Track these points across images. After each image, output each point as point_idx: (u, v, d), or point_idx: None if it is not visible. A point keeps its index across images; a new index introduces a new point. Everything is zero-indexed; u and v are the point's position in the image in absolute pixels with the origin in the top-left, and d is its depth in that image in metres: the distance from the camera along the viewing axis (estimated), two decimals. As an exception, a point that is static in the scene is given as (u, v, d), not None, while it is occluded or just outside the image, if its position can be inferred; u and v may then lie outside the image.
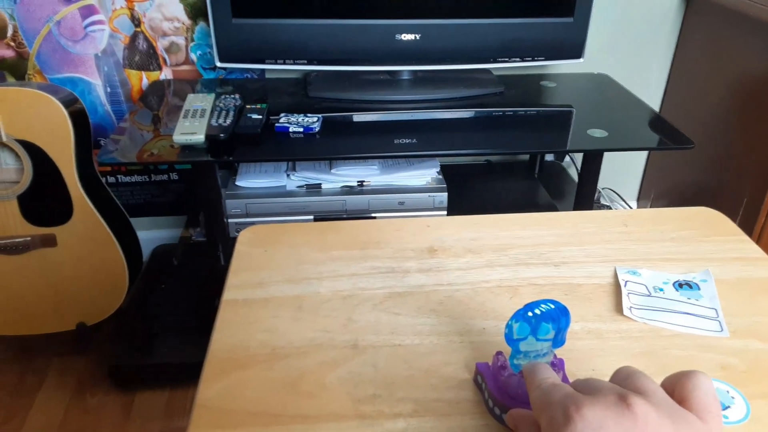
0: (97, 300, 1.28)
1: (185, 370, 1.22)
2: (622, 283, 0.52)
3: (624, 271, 0.53)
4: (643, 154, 1.67)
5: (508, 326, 0.37)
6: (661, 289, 0.51)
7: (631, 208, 1.68)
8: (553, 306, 0.36)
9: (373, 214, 1.23)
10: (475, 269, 0.55)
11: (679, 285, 0.52)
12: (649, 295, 0.50)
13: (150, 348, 1.26)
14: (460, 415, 0.41)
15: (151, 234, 1.56)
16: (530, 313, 0.36)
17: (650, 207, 1.66)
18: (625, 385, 0.32)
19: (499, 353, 0.40)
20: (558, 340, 0.37)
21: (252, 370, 0.44)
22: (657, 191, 1.64)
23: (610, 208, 1.62)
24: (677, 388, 0.31)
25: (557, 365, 0.39)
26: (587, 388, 0.31)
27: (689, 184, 1.51)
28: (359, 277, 0.54)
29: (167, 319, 1.30)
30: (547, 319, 0.36)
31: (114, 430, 1.17)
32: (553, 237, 0.59)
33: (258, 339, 0.47)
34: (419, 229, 0.61)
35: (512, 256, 0.56)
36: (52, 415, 1.21)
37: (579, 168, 1.57)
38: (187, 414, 1.22)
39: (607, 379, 0.34)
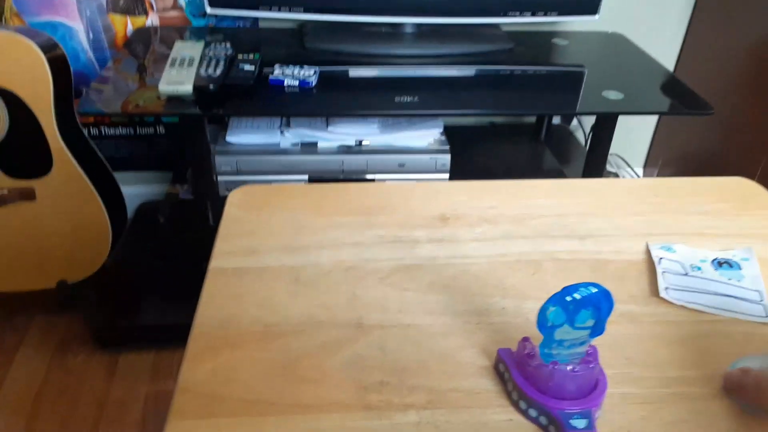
0: (79, 257, 1.22)
1: (171, 332, 1.17)
2: (655, 261, 0.47)
3: (657, 246, 0.48)
4: (653, 119, 1.61)
5: (543, 311, 0.32)
6: (699, 268, 0.46)
7: (638, 175, 1.63)
8: (594, 290, 0.31)
9: (371, 176, 1.17)
10: (491, 241, 0.49)
11: (719, 263, 0.47)
12: (685, 275, 0.45)
13: (135, 308, 1.21)
14: (479, 407, 0.36)
15: (136, 189, 1.49)
16: (568, 298, 0.31)
17: (657, 174, 1.61)
18: None
19: (525, 339, 0.35)
20: (597, 329, 0.32)
21: (243, 350, 0.39)
22: (665, 158, 1.59)
23: (617, 176, 1.57)
24: None
25: (591, 355, 0.34)
26: None
27: (700, 150, 1.46)
28: (363, 247, 0.48)
29: (153, 279, 1.25)
30: (588, 304, 0.31)
31: (98, 392, 1.13)
32: (578, 206, 0.54)
33: (250, 314, 0.42)
34: (429, 195, 0.55)
35: (533, 226, 0.51)
36: (32, 375, 1.16)
37: (587, 132, 1.51)
38: (174, 377, 1.19)
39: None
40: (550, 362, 0.33)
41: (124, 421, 1.10)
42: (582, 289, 0.31)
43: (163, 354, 1.20)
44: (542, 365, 0.33)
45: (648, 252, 0.48)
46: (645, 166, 1.68)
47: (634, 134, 1.62)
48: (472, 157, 1.33)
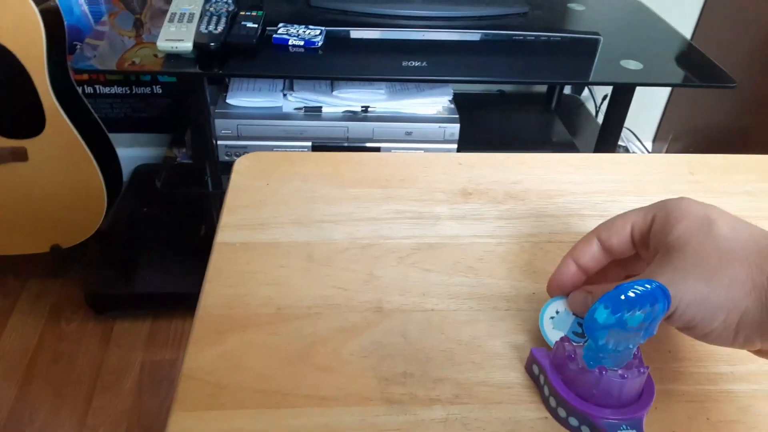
0: (73, 221, 1.18)
1: (168, 299, 1.15)
2: (695, 245, 0.43)
3: (696, 229, 0.45)
4: (665, 92, 1.56)
5: (592, 311, 0.28)
6: (741, 254, 0.43)
7: (647, 150, 1.59)
8: (649, 286, 0.27)
9: (377, 145, 1.13)
10: (518, 219, 0.46)
11: (761, 249, 0.43)
12: (727, 261, 0.42)
13: (130, 274, 1.18)
14: (511, 403, 0.33)
15: (132, 152, 1.44)
16: (622, 297, 0.27)
17: (666, 149, 1.57)
18: None
19: (565, 340, 0.32)
20: (648, 330, 0.29)
21: (253, 333, 0.36)
22: (676, 131, 1.55)
23: (627, 150, 1.53)
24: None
25: (638, 357, 0.31)
26: None
27: (714, 125, 1.42)
28: (381, 223, 0.45)
29: (149, 245, 1.21)
30: (644, 303, 0.27)
31: (92, 359, 1.11)
32: (609, 183, 0.50)
33: (260, 294, 0.38)
34: (449, 167, 0.51)
35: (562, 204, 0.47)
36: (25, 341, 1.14)
37: (597, 102, 1.46)
38: (170, 346, 1.17)
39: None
40: (597, 367, 0.29)
41: (118, 388, 1.08)
42: (637, 286, 0.27)
43: (159, 322, 1.18)
44: (586, 370, 0.30)
45: (687, 235, 0.45)
46: (654, 140, 1.64)
47: (644, 107, 1.58)
48: (480, 126, 1.29)
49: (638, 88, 1.41)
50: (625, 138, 1.57)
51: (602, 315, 0.28)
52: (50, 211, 1.17)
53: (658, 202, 0.33)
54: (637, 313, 0.28)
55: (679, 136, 1.55)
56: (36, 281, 1.25)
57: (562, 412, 0.31)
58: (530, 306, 0.39)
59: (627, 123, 1.59)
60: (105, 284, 1.17)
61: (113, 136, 1.23)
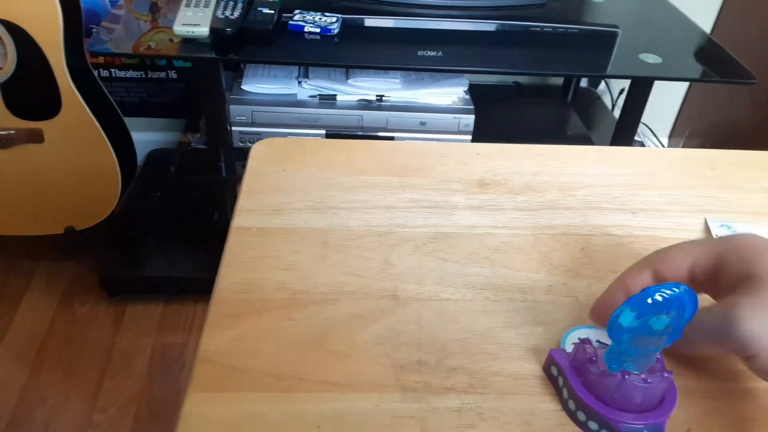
0: (88, 204, 1.19)
1: (180, 283, 1.15)
2: (715, 240, 0.43)
3: (717, 224, 0.44)
4: (683, 87, 1.54)
5: (617, 314, 0.27)
6: (761, 251, 0.42)
7: (663, 145, 1.57)
8: (677, 290, 0.27)
9: (391, 134, 1.12)
10: (536, 211, 0.45)
11: (782, 247, 0.43)
12: (747, 258, 0.42)
13: (143, 258, 1.18)
14: (527, 394, 0.33)
15: (146, 136, 1.45)
16: (650, 300, 0.27)
17: (683, 145, 1.55)
18: None
19: (586, 342, 0.31)
20: (674, 334, 0.28)
21: (268, 318, 0.36)
22: (693, 128, 1.53)
23: (643, 144, 1.51)
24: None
25: (660, 360, 0.30)
26: None
27: (731, 121, 1.40)
28: (397, 211, 0.45)
29: (162, 228, 1.22)
30: (671, 308, 0.27)
31: (104, 342, 1.12)
32: (628, 177, 0.49)
33: (276, 279, 0.38)
34: (467, 157, 0.51)
35: (580, 197, 0.47)
36: (38, 322, 1.15)
37: (614, 96, 1.45)
38: (181, 329, 1.18)
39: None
40: (619, 371, 0.29)
41: (129, 372, 1.09)
42: (664, 289, 0.27)
43: (170, 305, 1.19)
44: (608, 374, 0.29)
45: (707, 230, 0.44)
46: (671, 136, 1.62)
47: (661, 102, 1.56)
48: (496, 117, 1.28)
49: (656, 83, 1.39)
50: (641, 133, 1.55)
51: (627, 318, 0.27)
52: (65, 193, 1.17)
53: (718, 239, 0.33)
54: (663, 317, 0.27)
55: (696, 132, 1.53)
56: (49, 263, 1.26)
57: (581, 416, 0.30)
58: (546, 298, 0.38)
59: (643, 118, 1.57)
60: (118, 267, 1.18)
61: (128, 120, 1.23)
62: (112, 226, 1.20)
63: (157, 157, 1.40)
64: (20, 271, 1.25)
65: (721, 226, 0.44)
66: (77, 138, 1.13)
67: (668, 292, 0.27)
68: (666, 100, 1.57)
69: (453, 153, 0.51)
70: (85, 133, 1.12)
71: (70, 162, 1.15)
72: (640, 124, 1.56)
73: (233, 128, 1.10)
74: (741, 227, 0.44)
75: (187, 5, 0.98)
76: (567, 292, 0.39)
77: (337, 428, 0.31)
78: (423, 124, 1.12)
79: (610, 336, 0.28)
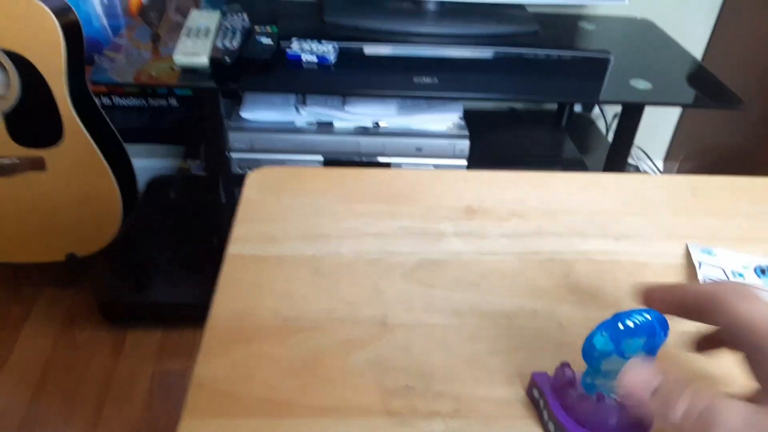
0: (89, 230, 1.20)
1: (180, 310, 1.16)
2: (696, 265, 0.44)
3: (698, 249, 0.46)
4: (676, 112, 1.57)
5: (590, 339, 0.29)
6: (741, 275, 0.44)
7: (659, 169, 1.59)
8: (649, 317, 0.28)
9: (388, 159, 1.14)
10: (522, 237, 0.47)
11: (761, 271, 0.44)
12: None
13: (144, 285, 1.19)
14: (510, 418, 0.34)
15: (147, 163, 1.47)
16: (620, 326, 0.28)
17: (678, 169, 1.57)
18: None
19: (565, 366, 0.32)
20: (648, 358, 0.29)
21: (261, 344, 0.37)
22: (687, 151, 1.55)
23: (638, 168, 1.53)
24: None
25: None
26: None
27: (724, 145, 1.42)
28: (386, 238, 0.46)
29: (163, 255, 1.23)
30: (642, 333, 0.28)
31: (104, 368, 1.13)
32: (612, 203, 0.51)
33: (268, 306, 0.40)
34: (455, 185, 0.52)
35: (565, 223, 0.48)
36: (39, 349, 1.16)
37: (608, 121, 1.47)
38: (181, 356, 1.18)
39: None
40: (595, 393, 0.30)
41: (130, 398, 1.09)
42: (635, 315, 0.28)
43: (170, 332, 1.20)
44: (585, 396, 0.30)
45: (687, 255, 0.45)
46: (666, 159, 1.64)
47: (655, 126, 1.58)
48: (491, 143, 1.30)
49: (650, 108, 1.42)
50: (636, 157, 1.57)
51: (600, 341, 0.28)
52: (66, 220, 1.19)
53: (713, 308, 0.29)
54: (636, 341, 0.28)
55: (690, 155, 1.55)
56: (51, 289, 1.27)
57: None
58: (531, 324, 0.40)
59: (638, 142, 1.59)
60: (118, 293, 1.19)
61: (129, 147, 1.25)
62: (113, 252, 1.22)
63: (157, 183, 1.42)
64: (21, 298, 1.26)
65: (702, 251, 0.46)
66: (79, 165, 1.15)
67: (640, 318, 0.28)
68: (660, 124, 1.60)
69: (441, 180, 0.53)
70: (86, 160, 1.14)
71: (72, 189, 1.16)
72: (636, 148, 1.58)
73: (232, 155, 1.12)
74: (721, 251, 0.46)
75: (187, 35, 1.01)
76: (551, 317, 0.40)
77: (326, 452, 0.31)
78: (419, 149, 1.14)
79: (585, 359, 0.29)
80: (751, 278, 0.44)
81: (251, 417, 0.33)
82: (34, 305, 1.24)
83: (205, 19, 1.06)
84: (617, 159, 1.13)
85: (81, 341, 1.17)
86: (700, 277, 0.43)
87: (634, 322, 0.28)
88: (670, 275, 0.44)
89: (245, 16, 1.09)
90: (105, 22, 1.34)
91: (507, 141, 1.32)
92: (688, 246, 0.46)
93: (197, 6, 1.22)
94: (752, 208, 0.51)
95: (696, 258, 0.45)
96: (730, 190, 0.53)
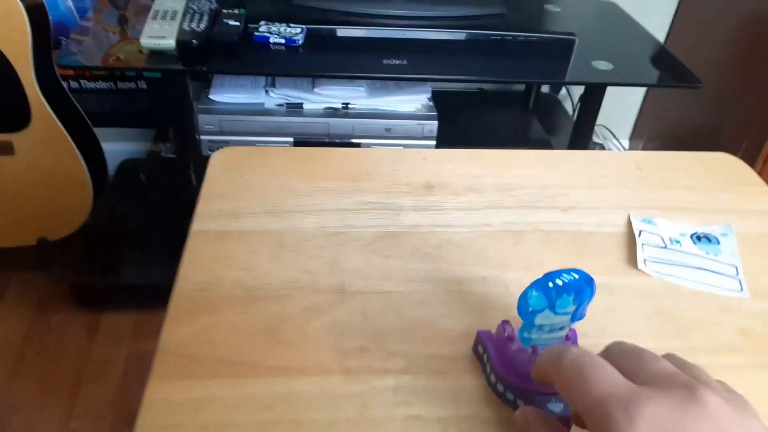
0: (60, 214, 1.20)
1: (153, 292, 1.17)
2: (636, 233, 0.47)
3: (639, 219, 0.49)
4: (641, 91, 1.61)
5: (523, 296, 0.31)
6: (678, 242, 0.47)
7: (624, 147, 1.64)
8: (576, 276, 0.31)
9: (357, 141, 1.16)
10: (476, 210, 0.49)
11: (697, 238, 0.48)
12: (665, 248, 0.46)
13: (116, 267, 1.20)
14: (456, 373, 0.36)
15: (118, 146, 1.46)
16: (550, 284, 0.31)
17: (642, 147, 1.62)
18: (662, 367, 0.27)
19: (505, 323, 0.35)
20: (577, 314, 0.32)
21: (225, 313, 0.39)
22: (652, 131, 1.59)
23: (603, 147, 1.57)
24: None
25: (571, 338, 0.35)
26: (642, 373, 0.26)
27: (687, 124, 1.47)
28: (347, 213, 0.48)
29: (134, 238, 1.24)
30: (570, 290, 0.31)
31: (79, 351, 1.14)
32: (563, 178, 0.54)
33: (232, 278, 0.42)
34: (415, 162, 0.55)
35: (518, 197, 0.51)
36: (13, 333, 1.16)
37: (575, 102, 1.50)
38: (156, 337, 1.19)
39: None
40: (530, 346, 0.33)
41: (105, 379, 1.10)
42: (564, 275, 0.31)
43: (144, 314, 1.21)
44: (522, 350, 0.33)
45: (629, 225, 0.49)
46: (631, 138, 1.68)
47: (621, 106, 1.62)
48: (460, 124, 1.32)
49: (615, 88, 1.45)
50: (602, 136, 1.61)
51: (533, 299, 0.31)
52: (37, 205, 1.19)
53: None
54: (565, 298, 0.31)
55: (655, 134, 1.59)
56: (23, 274, 1.27)
57: (500, 387, 0.34)
58: (482, 288, 0.42)
59: (604, 121, 1.63)
60: (91, 277, 1.20)
61: (99, 131, 1.25)
62: (84, 236, 1.22)
63: (128, 166, 1.41)
64: (-7, 283, 1.26)
65: (643, 221, 0.49)
66: (48, 149, 1.14)
67: (567, 277, 0.31)
68: (626, 104, 1.64)
69: (402, 159, 0.55)
70: (55, 144, 1.14)
71: (41, 173, 1.16)
72: (602, 128, 1.62)
73: (202, 137, 1.12)
74: (660, 221, 0.49)
75: (154, 18, 1.00)
76: (499, 282, 0.43)
77: (286, 408, 0.34)
78: (388, 130, 1.16)
79: (520, 315, 0.32)
80: (688, 246, 0.47)
81: (215, 378, 0.35)
82: (6, 290, 1.24)
83: (172, 1, 1.06)
84: (581, 138, 1.16)
85: (55, 325, 1.18)
86: (638, 244, 0.46)
87: (563, 281, 0.30)
88: (612, 243, 0.47)
89: (213, -2, 1.09)
90: (71, 4, 1.32)
91: (475, 122, 1.35)
92: (630, 216, 0.49)
93: (164, -12, 1.22)
94: (693, 181, 0.55)
95: (636, 227, 0.48)
96: (673, 165, 0.57)
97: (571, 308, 0.32)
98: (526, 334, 0.32)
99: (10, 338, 1.15)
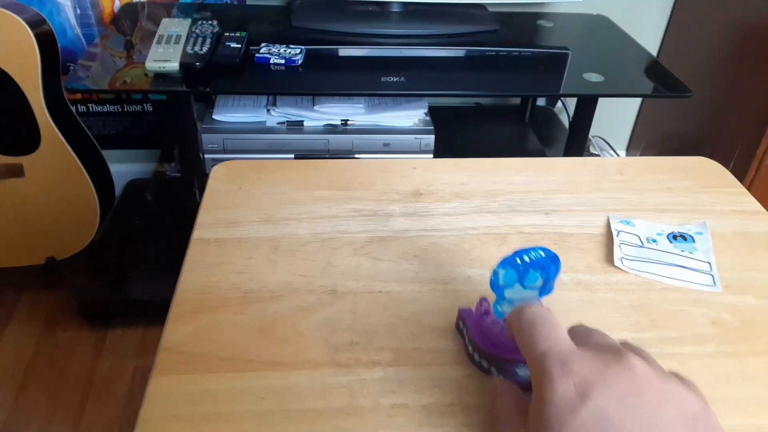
0: (68, 234, 1.23)
1: (159, 308, 1.19)
2: (614, 233, 0.49)
3: (617, 220, 0.51)
4: (636, 102, 1.64)
5: (495, 272, 0.34)
6: (655, 241, 0.49)
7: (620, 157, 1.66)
8: (543, 254, 0.34)
9: (356, 155, 1.19)
10: (462, 215, 0.52)
11: (674, 237, 0.50)
12: (641, 246, 0.48)
13: (123, 284, 1.23)
14: (440, 364, 0.39)
15: (124, 167, 1.50)
16: (518, 260, 0.34)
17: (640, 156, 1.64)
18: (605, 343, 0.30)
19: (483, 299, 0.38)
20: (546, 289, 0.35)
21: (223, 313, 0.42)
22: (648, 141, 1.62)
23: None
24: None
25: None
26: (587, 342, 0.30)
27: (681, 133, 1.49)
28: (340, 220, 0.51)
29: (141, 255, 1.27)
30: (536, 266, 0.34)
31: (86, 367, 1.16)
32: (546, 184, 0.56)
33: (230, 281, 0.44)
34: (406, 171, 0.57)
35: (502, 202, 0.54)
36: (21, 350, 1.19)
37: (570, 114, 1.53)
38: (162, 351, 1.21)
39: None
40: (502, 319, 0.35)
41: (112, 395, 1.13)
42: (532, 252, 0.34)
43: (150, 330, 1.23)
44: (495, 322, 0.36)
45: (608, 226, 0.51)
46: (628, 149, 1.71)
47: (617, 117, 1.65)
48: (457, 137, 1.35)
49: (610, 100, 1.48)
50: (599, 147, 1.64)
51: (503, 274, 0.34)
52: (45, 225, 1.22)
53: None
54: (533, 273, 0.34)
55: (651, 144, 1.62)
56: (32, 292, 1.30)
57: (476, 357, 0.37)
58: (465, 287, 0.45)
59: (601, 133, 1.66)
60: (98, 294, 1.22)
61: (107, 153, 1.29)
62: (92, 254, 1.25)
63: (134, 186, 1.45)
64: (3, 302, 1.28)
65: (621, 221, 0.51)
66: (57, 171, 1.18)
67: (534, 254, 0.34)
68: (622, 115, 1.66)
69: (394, 168, 0.58)
70: (64, 166, 1.18)
71: (49, 194, 1.20)
72: (598, 139, 1.65)
73: (206, 156, 1.16)
74: (638, 222, 0.51)
75: (159, 42, 1.05)
76: (483, 280, 0.45)
77: (278, 399, 0.36)
78: (386, 145, 1.19)
79: (492, 290, 0.35)
80: (664, 244, 0.49)
81: (213, 373, 0.37)
82: (16, 308, 1.27)
83: (176, 26, 1.10)
84: (575, 149, 1.19)
85: (63, 341, 1.20)
86: (616, 244, 0.48)
87: (530, 258, 0.33)
88: (590, 243, 0.49)
89: (215, 22, 1.13)
90: (79, 32, 1.37)
91: (472, 135, 1.38)
92: (609, 218, 0.52)
93: (169, 13, 1.26)
94: (672, 184, 0.57)
95: (615, 228, 0.50)
96: (653, 170, 0.59)
97: (539, 283, 0.34)
98: (498, 308, 0.35)
99: (19, 354, 1.18)
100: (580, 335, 0.31)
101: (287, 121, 1.18)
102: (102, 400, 1.12)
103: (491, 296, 0.38)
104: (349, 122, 1.19)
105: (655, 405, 0.25)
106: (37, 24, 1.12)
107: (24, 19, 1.08)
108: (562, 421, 0.25)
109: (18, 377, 1.14)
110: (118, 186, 1.36)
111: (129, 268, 1.26)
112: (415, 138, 1.19)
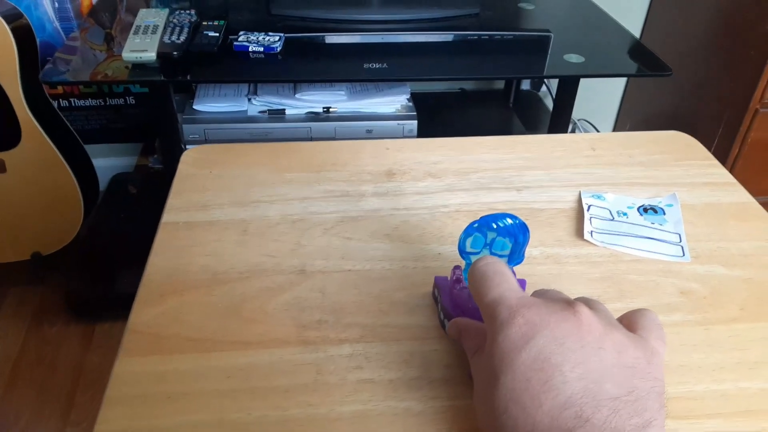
0: (52, 229, 1.23)
1: (147, 300, 1.19)
2: (585, 207, 0.50)
3: (588, 195, 0.51)
4: (621, 85, 1.64)
5: (461, 239, 0.34)
6: (625, 214, 0.49)
7: (603, 139, 1.66)
8: (511, 221, 0.34)
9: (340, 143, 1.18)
10: (434, 193, 0.52)
11: (644, 209, 0.50)
12: (612, 220, 0.48)
13: (110, 278, 1.22)
14: (409, 340, 0.39)
15: (109, 161, 1.49)
16: (485, 226, 0.34)
17: (623, 139, 1.64)
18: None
19: (456, 267, 0.39)
20: (515, 258, 0.35)
21: (191, 295, 0.41)
22: (632, 123, 1.62)
23: (583, 140, 1.59)
24: (624, 317, 0.32)
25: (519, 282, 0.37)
26: (543, 296, 0.31)
27: (666, 114, 1.49)
28: (311, 201, 0.50)
29: (127, 249, 1.26)
30: (504, 233, 0.34)
31: (74, 361, 1.16)
32: (519, 161, 0.56)
33: (199, 263, 0.44)
34: (378, 152, 0.57)
35: (474, 180, 0.53)
36: (9, 345, 1.18)
37: (555, 97, 1.53)
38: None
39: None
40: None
41: (100, 387, 1.12)
42: (501, 219, 0.34)
43: (138, 321, 1.23)
44: (465, 288, 0.36)
45: (580, 200, 0.51)
46: (613, 131, 1.71)
47: (602, 99, 1.65)
48: (441, 122, 1.35)
49: (595, 81, 1.48)
50: (584, 129, 1.64)
51: (471, 241, 0.34)
52: (29, 220, 1.21)
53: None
54: (500, 240, 0.34)
55: (636, 125, 1.62)
56: (18, 288, 1.30)
57: (446, 322, 0.38)
58: (436, 264, 0.45)
59: (586, 115, 1.66)
60: (84, 288, 1.22)
61: (90, 147, 1.28)
62: (77, 249, 1.24)
63: (119, 180, 1.44)
64: (-11, 298, 1.28)
65: (592, 196, 0.51)
66: (39, 166, 1.17)
67: (502, 222, 0.34)
68: (606, 97, 1.66)
69: (366, 149, 0.58)
70: (46, 161, 1.17)
71: (33, 190, 1.19)
72: (583, 121, 1.65)
73: (187, 147, 1.15)
74: (609, 196, 0.51)
75: (136, 33, 1.03)
76: (454, 257, 0.45)
77: (244, 377, 0.36)
78: (369, 131, 1.19)
79: (460, 255, 0.35)
80: (634, 217, 0.49)
81: (180, 353, 0.37)
82: (3, 304, 1.26)
83: (153, 16, 1.09)
84: (558, 130, 1.18)
85: (51, 336, 1.20)
86: (586, 218, 0.48)
87: (498, 224, 0.33)
88: (562, 217, 0.49)
89: (193, 12, 1.12)
90: (58, 25, 1.36)
91: (457, 120, 1.38)
92: (581, 192, 0.52)
93: (147, 5, 1.25)
94: (645, 158, 0.57)
95: (586, 202, 0.50)
96: (626, 145, 0.59)
97: (507, 250, 0.34)
98: (467, 274, 0.35)
99: (7, 350, 1.18)
100: (537, 293, 0.32)
101: (269, 110, 1.18)
102: (91, 393, 1.12)
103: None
104: (331, 109, 1.19)
105: (594, 350, 0.26)
106: (13, 18, 1.11)
107: (0, 14, 1.07)
108: (507, 361, 0.27)
109: (6, 373, 1.14)
110: (103, 180, 1.36)
111: (115, 262, 1.25)
112: (398, 124, 1.19)
